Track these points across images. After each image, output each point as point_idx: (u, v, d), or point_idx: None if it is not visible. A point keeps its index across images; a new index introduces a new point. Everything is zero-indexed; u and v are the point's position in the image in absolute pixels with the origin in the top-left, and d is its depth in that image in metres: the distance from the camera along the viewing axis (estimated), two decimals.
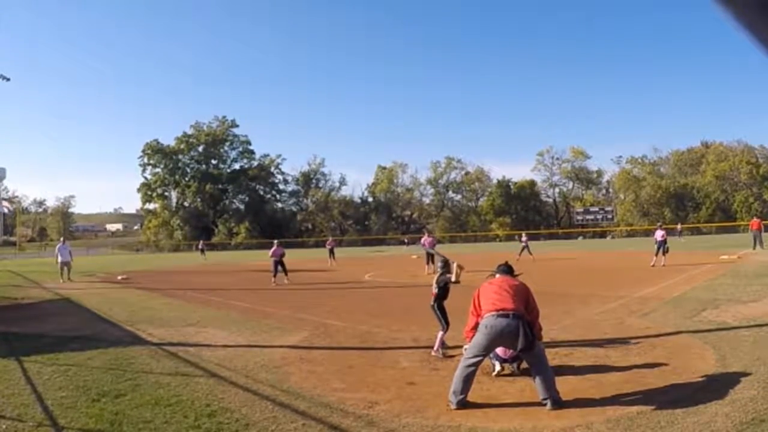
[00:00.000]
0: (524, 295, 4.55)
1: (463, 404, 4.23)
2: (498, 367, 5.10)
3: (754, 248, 22.45)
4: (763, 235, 23.57)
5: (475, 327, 4.56)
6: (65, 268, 18.53)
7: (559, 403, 4.13)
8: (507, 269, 5.04)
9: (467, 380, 4.31)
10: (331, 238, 29.25)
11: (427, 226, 64.03)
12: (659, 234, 16.72)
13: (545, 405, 4.13)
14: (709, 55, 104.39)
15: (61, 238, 22.52)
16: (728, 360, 5.26)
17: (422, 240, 18.50)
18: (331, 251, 26.09)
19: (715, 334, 6.53)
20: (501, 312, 4.32)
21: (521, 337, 4.20)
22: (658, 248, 16.51)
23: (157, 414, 4.19)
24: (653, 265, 16.12)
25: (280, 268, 15.76)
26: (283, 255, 16.05)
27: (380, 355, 6.28)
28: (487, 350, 4.50)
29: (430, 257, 17.20)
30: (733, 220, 55.62)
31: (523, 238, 24.94)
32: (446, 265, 6.37)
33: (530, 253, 23.42)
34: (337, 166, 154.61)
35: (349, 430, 3.87)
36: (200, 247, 39.75)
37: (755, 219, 25.45)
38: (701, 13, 78.24)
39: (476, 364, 4.40)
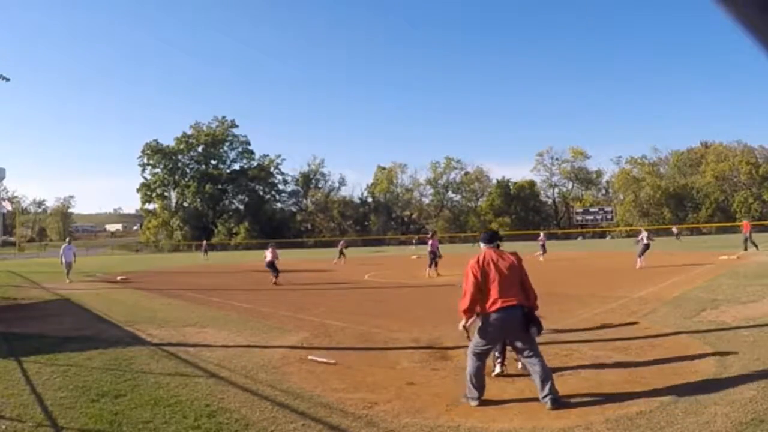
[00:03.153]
0: (519, 275, 4.48)
1: (481, 401, 4.28)
2: (498, 369, 5.10)
3: (755, 249, 22.42)
4: (754, 236, 23.70)
5: (473, 305, 4.42)
6: (68, 269, 18.52)
7: (558, 402, 4.13)
8: (490, 237, 4.65)
9: (479, 375, 4.36)
10: (343, 240, 29.97)
11: (428, 226, 64.17)
12: (644, 236, 17.66)
13: (545, 404, 4.13)
14: (709, 55, 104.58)
15: (67, 239, 22.40)
16: (728, 360, 5.26)
17: (429, 242, 18.26)
18: (342, 251, 27.00)
19: (714, 334, 6.54)
20: (507, 306, 4.31)
21: (533, 326, 4.33)
22: (643, 251, 17.35)
23: (156, 414, 4.18)
24: (640, 267, 16.57)
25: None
26: (276, 258, 16.09)
27: (380, 355, 6.28)
28: (493, 342, 4.57)
29: (434, 260, 17.12)
30: (732, 220, 55.53)
31: (540, 237, 25.29)
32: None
33: (544, 252, 23.94)
34: (337, 167, 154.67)
35: (348, 430, 3.87)
36: (204, 247, 40.06)
37: (745, 221, 25.91)
38: (701, 12, 78.32)
39: (485, 354, 4.47)
